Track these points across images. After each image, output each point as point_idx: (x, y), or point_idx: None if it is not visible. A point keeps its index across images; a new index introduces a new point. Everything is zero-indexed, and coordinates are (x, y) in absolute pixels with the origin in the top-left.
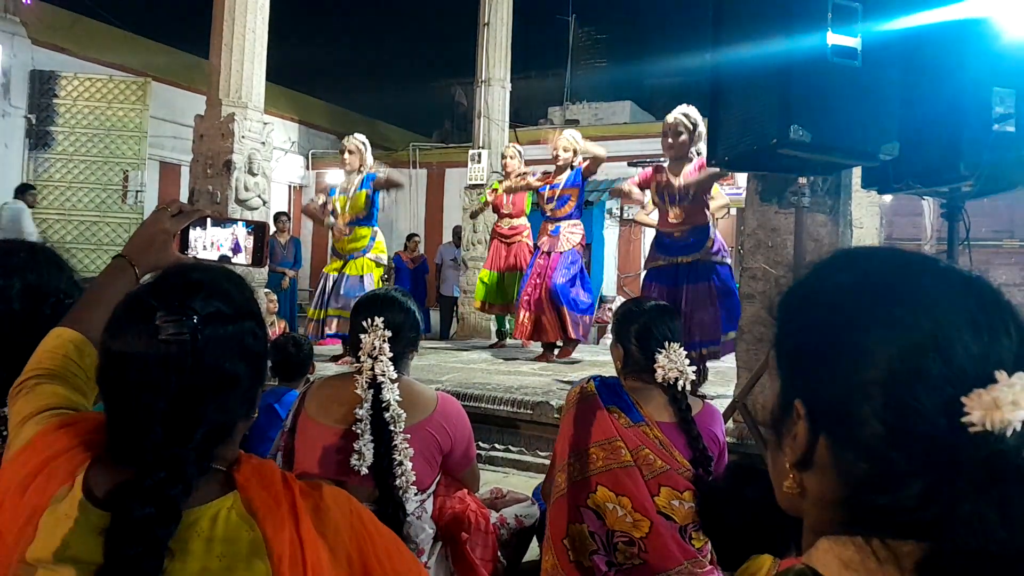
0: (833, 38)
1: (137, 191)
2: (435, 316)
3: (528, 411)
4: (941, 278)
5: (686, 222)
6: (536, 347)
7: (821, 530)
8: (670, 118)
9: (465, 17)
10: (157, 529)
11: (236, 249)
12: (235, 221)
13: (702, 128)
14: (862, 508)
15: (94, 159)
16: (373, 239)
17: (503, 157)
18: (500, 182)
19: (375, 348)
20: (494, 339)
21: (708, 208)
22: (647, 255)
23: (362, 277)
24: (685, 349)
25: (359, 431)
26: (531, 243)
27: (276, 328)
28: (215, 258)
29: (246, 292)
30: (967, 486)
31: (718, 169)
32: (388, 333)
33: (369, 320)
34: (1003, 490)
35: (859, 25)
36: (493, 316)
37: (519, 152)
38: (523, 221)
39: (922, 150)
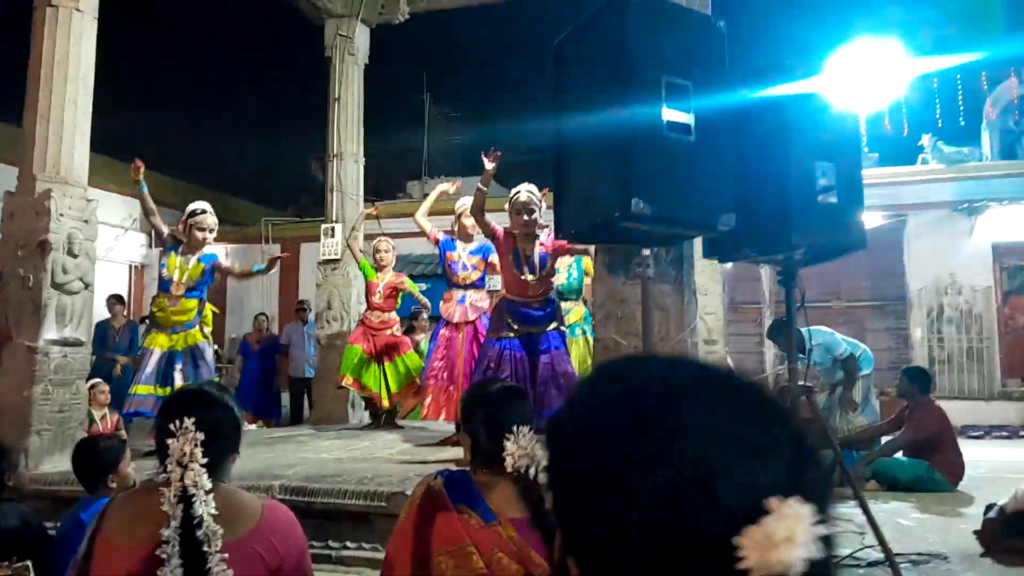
0: (668, 113)
1: None
2: (287, 398)
3: (383, 503)
4: (705, 398)
5: (544, 292)
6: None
7: None
8: (522, 196)
9: (316, 92)
10: None
11: None
12: None
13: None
14: None
15: None
16: (200, 312)
17: (376, 251)
18: (374, 266)
19: (185, 454)
20: (355, 420)
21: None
22: (491, 322)
23: (197, 345)
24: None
25: (165, 555)
26: (399, 334)
27: (108, 422)
28: None
29: None
30: None
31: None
32: (200, 436)
33: (177, 422)
34: None
35: (691, 101)
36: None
37: (392, 247)
38: (394, 315)
39: (756, 221)
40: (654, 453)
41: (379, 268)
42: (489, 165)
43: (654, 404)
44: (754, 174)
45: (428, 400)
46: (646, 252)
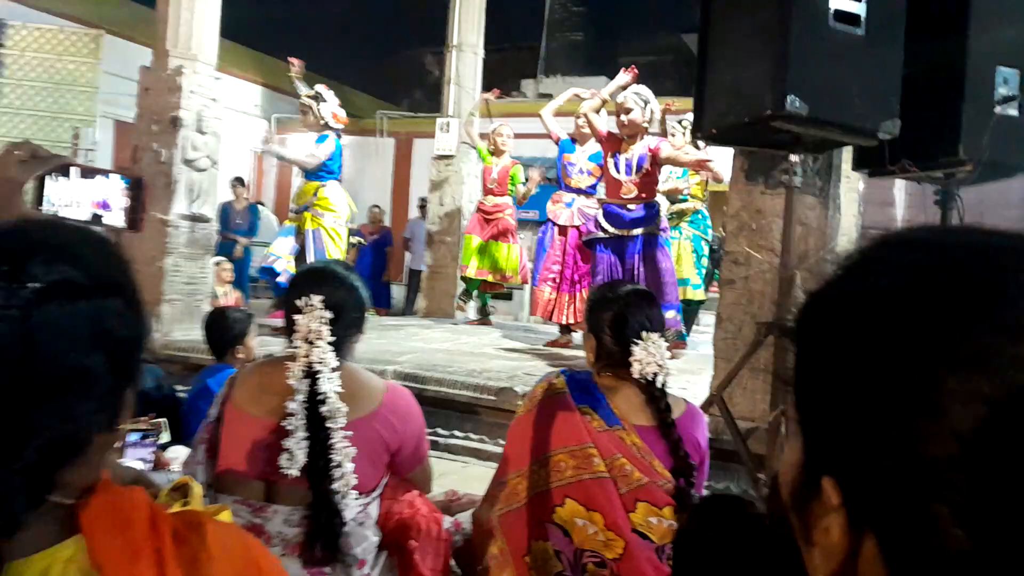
0: (836, 1)
1: (88, 150)
2: (399, 291)
3: (491, 396)
4: None
5: (639, 196)
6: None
7: None
8: (620, 97)
9: None
10: None
11: (106, 207)
12: (106, 173)
13: (654, 106)
14: None
15: (42, 114)
16: (316, 194)
17: (495, 135)
18: (491, 150)
19: (312, 331)
20: (471, 316)
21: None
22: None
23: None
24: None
25: (291, 427)
26: (513, 220)
27: (229, 299)
28: (85, 218)
29: (113, 260)
30: None
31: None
32: (328, 314)
33: (305, 299)
34: None
35: None
36: (475, 292)
37: (510, 133)
38: (507, 200)
39: (920, 129)
40: (982, 349)
41: (496, 153)
42: (625, 79)
43: (992, 280)
44: (923, 75)
45: (548, 301)
46: (794, 158)
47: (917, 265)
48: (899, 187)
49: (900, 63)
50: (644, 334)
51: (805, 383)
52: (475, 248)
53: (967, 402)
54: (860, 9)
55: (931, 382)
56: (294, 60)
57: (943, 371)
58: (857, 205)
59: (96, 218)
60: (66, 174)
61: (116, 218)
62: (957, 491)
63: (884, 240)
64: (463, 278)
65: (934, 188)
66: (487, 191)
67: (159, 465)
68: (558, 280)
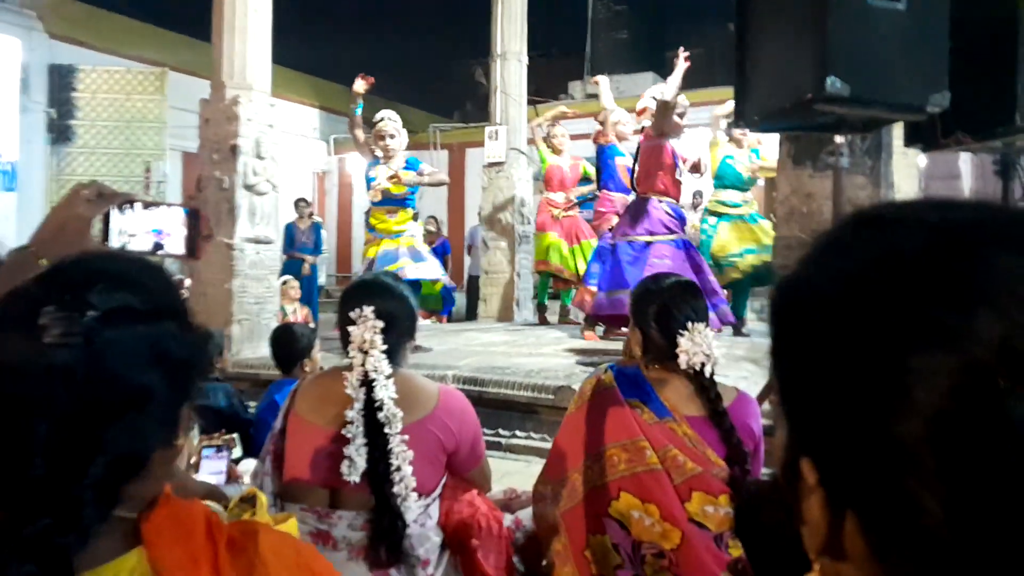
0: None
1: (159, 182)
2: (459, 298)
3: (549, 396)
4: (1012, 243)
5: None
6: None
7: None
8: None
9: None
10: None
11: (166, 237)
12: (168, 205)
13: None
14: None
15: (115, 152)
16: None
17: (552, 136)
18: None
19: (365, 341)
20: (520, 319)
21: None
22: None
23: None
24: None
25: (350, 435)
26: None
27: (298, 316)
28: (147, 249)
29: (166, 285)
30: None
31: None
32: (380, 323)
33: (358, 310)
34: None
35: None
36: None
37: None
38: (574, 196)
39: (973, 100)
40: (944, 325)
41: (556, 152)
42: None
43: (947, 256)
44: (974, 44)
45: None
46: (840, 139)
47: (876, 246)
48: (964, 159)
49: (946, 34)
50: (690, 325)
51: (779, 366)
52: (554, 244)
53: (929, 380)
54: None
55: (894, 363)
56: (370, 79)
57: (905, 352)
58: (917, 180)
59: (157, 247)
60: (131, 208)
61: (177, 247)
62: (926, 466)
63: (846, 222)
64: (540, 272)
65: (993, 158)
66: (553, 189)
67: (232, 478)
68: None
